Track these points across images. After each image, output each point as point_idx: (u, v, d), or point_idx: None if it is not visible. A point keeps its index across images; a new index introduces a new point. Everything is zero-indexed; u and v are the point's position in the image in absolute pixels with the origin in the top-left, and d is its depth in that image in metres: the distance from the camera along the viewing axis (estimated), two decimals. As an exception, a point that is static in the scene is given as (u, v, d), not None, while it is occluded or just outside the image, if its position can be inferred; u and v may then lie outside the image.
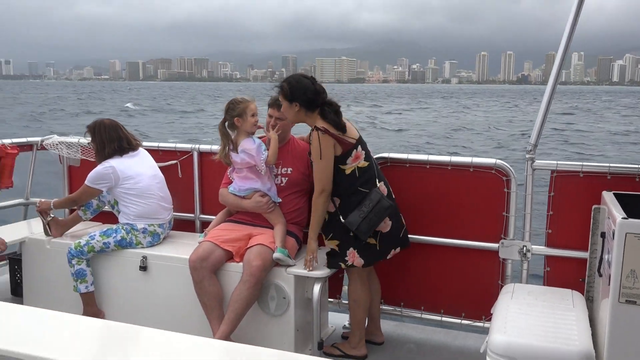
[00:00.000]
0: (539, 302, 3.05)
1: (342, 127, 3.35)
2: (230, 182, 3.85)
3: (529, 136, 3.51)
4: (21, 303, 4.15)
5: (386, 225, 3.43)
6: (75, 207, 4.34)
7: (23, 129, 28.96)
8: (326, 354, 3.62)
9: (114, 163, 3.98)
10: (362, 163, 3.40)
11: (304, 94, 3.38)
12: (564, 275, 3.52)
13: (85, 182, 4.01)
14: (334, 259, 3.51)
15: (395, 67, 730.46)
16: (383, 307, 3.96)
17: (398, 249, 3.59)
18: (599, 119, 45.91)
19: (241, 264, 3.54)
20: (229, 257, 3.64)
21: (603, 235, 2.98)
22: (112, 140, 4.02)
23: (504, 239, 3.62)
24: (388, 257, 3.56)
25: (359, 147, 3.40)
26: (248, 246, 3.59)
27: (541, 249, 3.59)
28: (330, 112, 3.37)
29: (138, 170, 4.03)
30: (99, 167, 4.00)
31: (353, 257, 3.46)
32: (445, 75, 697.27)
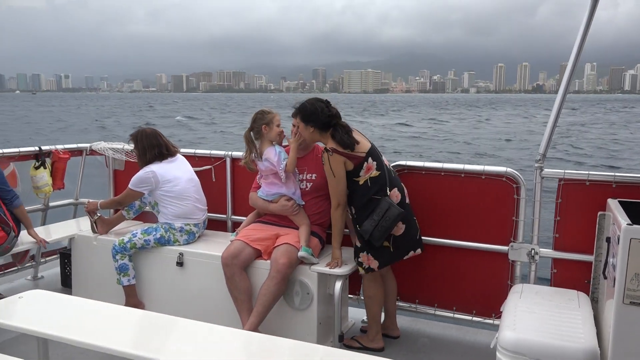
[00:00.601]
0: (546, 302, 3.02)
1: (350, 145, 3.38)
2: (260, 187, 3.89)
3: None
4: (70, 294, 4.25)
5: (399, 229, 3.44)
6: (120, 208, 4.43)
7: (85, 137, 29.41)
8: (346, 346, 3.63)
9: (155, 168, 4.05)
10: (374, 173, 3.42)
11: (318, 118, 3.45)
12: (570, 277, 3.47)
13: (129, 185, 4.09)
14: (357, 262, 3.57)
15: (417, 78, 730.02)
16: (399, 303, 3.95)
17: (418, 251, 3.59)
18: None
19: (269, 261, 3.57)
20: (258, 254, 3.68)
21: (608, 240, 2.93)
22: (152, 147, 4.10)
23: (514, 242, 3.59)
24: (405, 258, 3.57)
25: (370, 159, 3.41)
26: (275, 245, 3.63)
27: (549, 252, 3.55)
28: (340, 132, 3.41)
29: (176, 174, 4.10)
30: (141, 172, 4.07)
31: (368, 260, 3.49)
32: (464, 85, 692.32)
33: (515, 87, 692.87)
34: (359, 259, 3.52)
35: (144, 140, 4.12)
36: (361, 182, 3.42)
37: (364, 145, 3.44)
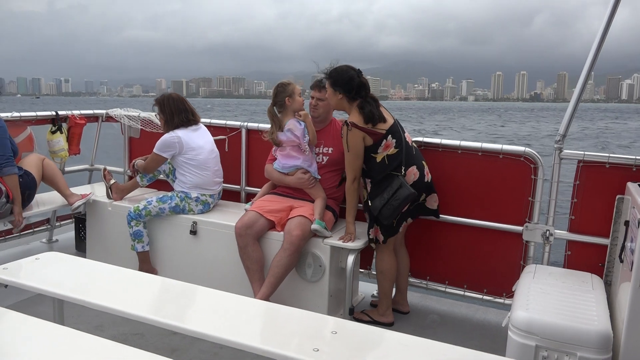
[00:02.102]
0: (560, 283, 2.98)
1: (373, 120, 3.31)
2: (275, 159, 3.86)
3: None
4: (84, 257, 4.27)
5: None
6: (134, 175, 4.37)
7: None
8: (356, 319, 3.63)
9: (180, 133, 4.00)
10: (392, 151, 3.36)
11: (348, 84, 3.36)
12: (584, 259, 3.43)
13: (154, 150, 4.02)
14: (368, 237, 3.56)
15: (416, 85, 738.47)
16: (410, 279, 3.93)
17: (409, 220, 3.57)
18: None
19: (282, 233, 3.56)
20: (271, 226, 3.66)
21: (627, 223, 2.88)
22: (179, 111, 4.04)
23: (528, 222, 3.54)
24: (400, 230, 3.55)
25: (389, 137, 3.35)
26: (289, 217, 3.61)
27: (563, 234, 3.50)
28: (371, 104, 3.34)
29: (199, 143, 4.05)
30: (167, 136, 4.00)
31: (376, 233, 3.49)
32: (462, 93, 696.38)
33: (513, 95, 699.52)
34: (370, 235, 3.51)
35: (171, 105, 4.05)
36: (378, 159, 3.37)
37: (387, 122, 3.37)
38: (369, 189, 3.47)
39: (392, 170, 3.36)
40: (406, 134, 3.46)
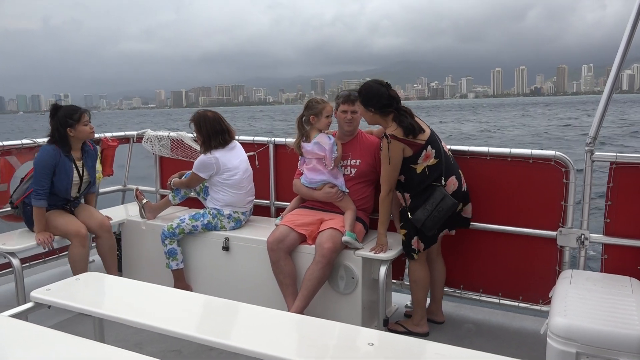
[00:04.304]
0: (598, 288, 2.92)
1: (413, 131, 3.31)
2: (302, 174, 3.89)
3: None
4: (120, 276, 4.35)
5: None
6: (187, 189, 4.37)
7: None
8: (390, 331, 3.61)
9: (218, 155, 4.03)
10: (432, 161, 3.36)
11: (378, 100, 3.38)
12: (622, 262, 3.35)
13: (193, 169, 4.09)
14: (406, 249, 3.54)
15: (415, 85, 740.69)
16: (443, 288, 3.90)
17: (446, 231, 3.57)
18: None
19: (314, 246, 3.57)
20: (303, 239, 3.69)
21: None
22: (216, 133, 4.04)
23: (562, 227, 3.49)
24: (440, 235, 3.55)
25: (429, 147, 3.35)
26: (320, 230, 3.62)
27: (599, 237, 3.43)
28: (408, 118, 3.35)
29: (235, 163, 4.08)
30: (204, 157, 4.04)
31: (417, 244, 3.47)
32: (462, 90, 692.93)
33: (514, 90, 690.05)
34: (412, 246, 3.48)
35: (207, 125, 4.05)
36: (419, 170, 3.37)
37: (425, 133, 3.38)
38: (408, 202, 3.45)
39: (433, 181, 3.35)
40: (442, 143, 3.45)
